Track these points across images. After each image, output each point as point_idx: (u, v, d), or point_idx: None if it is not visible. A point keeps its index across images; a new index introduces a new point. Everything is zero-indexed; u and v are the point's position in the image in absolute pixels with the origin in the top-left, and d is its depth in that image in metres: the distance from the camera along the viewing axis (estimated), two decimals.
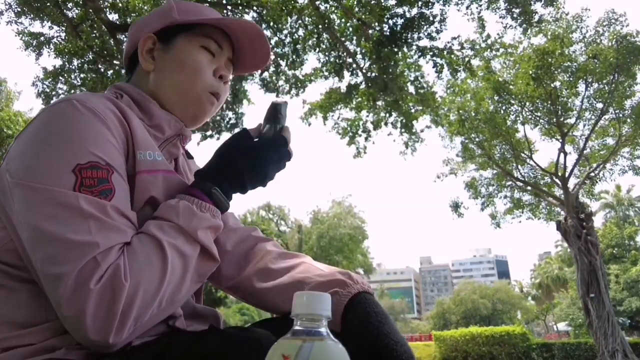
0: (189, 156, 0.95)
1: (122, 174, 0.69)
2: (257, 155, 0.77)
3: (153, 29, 0.87)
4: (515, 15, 7.34)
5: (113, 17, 7.53)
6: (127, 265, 0.61)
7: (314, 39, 7.85)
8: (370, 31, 7.62)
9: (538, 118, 14.28)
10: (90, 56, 7.58)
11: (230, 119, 8.14)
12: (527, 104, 13.63)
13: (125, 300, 0.59)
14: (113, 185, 0.66)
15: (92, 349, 0.62)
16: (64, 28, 7.65)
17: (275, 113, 0.81)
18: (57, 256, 0.60)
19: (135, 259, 0.62)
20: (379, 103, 8.48)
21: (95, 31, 7.52)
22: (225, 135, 8.40)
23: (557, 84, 13.17)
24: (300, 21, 7.64)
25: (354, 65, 8.08)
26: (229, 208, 0.77)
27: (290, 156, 0.81)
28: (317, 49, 8.03)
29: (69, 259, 0.59)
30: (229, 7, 7.40)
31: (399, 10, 7.31)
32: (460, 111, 13.63)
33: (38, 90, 7.77)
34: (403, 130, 8.70)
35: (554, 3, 7.50)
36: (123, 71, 7.08)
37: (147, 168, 0.73)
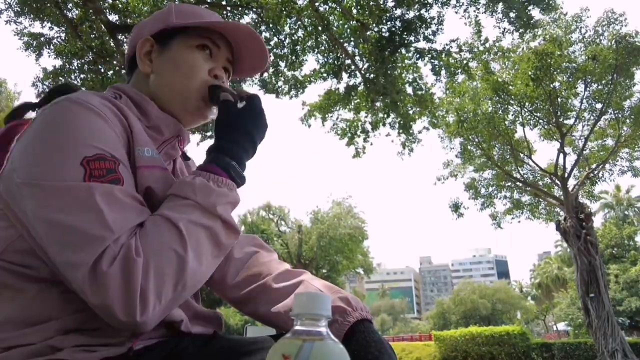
0: (186, 158, 0.95)
1: (127, 166, 0.70)
2: (255, 114, 0.81)
3: (151, 32, 0.88)
4: (511, 20, 7.34)
5: (113, 17, 7.53)
6: (138, 243, 0.61)
7: (313, 40, 7.85)
8: (368, 33, 7.62)
9: (537, 118, 14.29)
10: (90, 57, 7.55)
11: None
12: (526, 104, 13.63)
13: (142, 275, 0.59)
14: (121, 175, 0.67)
15: (132, 331, 0.64)
16: (64, 29, 7.64)
17: (223, 89, 0.86)
18: (73, 245, 0.60)
19: (147, 236, 0.62)
20: (378, 104, 8.48)
21: (95, 32, 7.50)
22: None
23: (556, 84, 13.17)
24: (299, 22, 7.65)
25: (353, 67, 8.09)
26: (246, 180, 0.77)
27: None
28: (316, 50, 8.03)
29: (84, 247, 0.59)
30: (229, 8, 7.40)
31: (398, 12, 7.33)
32: (459, 112, 13.63)
33: (38, 91, 7.74)
34: (401, 131, 8.71)
35: (551, 8, 7.48)
36: (123, 71, 7.11)
37: (145, 164, 0.74)
